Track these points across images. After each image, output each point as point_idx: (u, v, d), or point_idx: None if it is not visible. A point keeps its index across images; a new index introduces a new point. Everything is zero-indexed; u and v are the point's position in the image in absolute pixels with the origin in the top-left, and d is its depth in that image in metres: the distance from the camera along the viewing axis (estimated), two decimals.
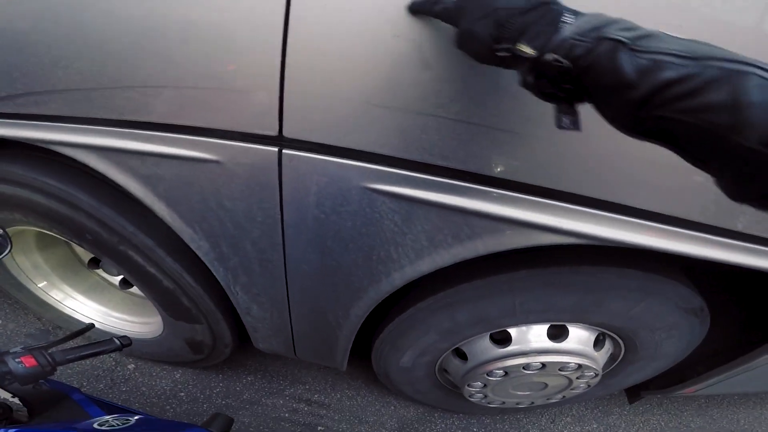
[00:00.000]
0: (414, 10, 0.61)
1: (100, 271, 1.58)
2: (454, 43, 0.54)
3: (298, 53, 0.67)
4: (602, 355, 1.28)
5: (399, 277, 0.94)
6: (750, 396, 2.00)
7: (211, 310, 1.26)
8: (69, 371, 1.64)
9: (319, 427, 1.63)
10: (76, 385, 1.59)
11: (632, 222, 0.78)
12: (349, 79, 0.68)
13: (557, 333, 1.22)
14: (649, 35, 0.40)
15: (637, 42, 0.39)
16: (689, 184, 0.69)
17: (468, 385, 1.34)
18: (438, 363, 1.35)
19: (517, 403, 1.52)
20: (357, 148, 0.74)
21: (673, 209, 0.76)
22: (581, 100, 0.47)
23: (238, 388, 1.69)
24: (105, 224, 1.05)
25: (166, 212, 0.90)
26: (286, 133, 0.74)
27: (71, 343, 0.89)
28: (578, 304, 1.06)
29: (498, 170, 0.73)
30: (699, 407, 1.94)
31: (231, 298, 1.14)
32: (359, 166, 0.76)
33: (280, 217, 0.86)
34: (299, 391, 1.71)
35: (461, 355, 1.30)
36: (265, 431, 1.59)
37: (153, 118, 0.77)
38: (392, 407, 1.73)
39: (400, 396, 1.74)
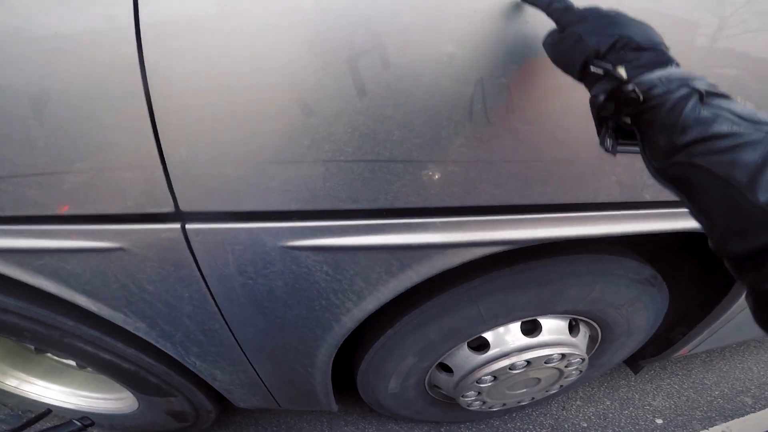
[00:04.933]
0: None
1: (50, 355, 1.49)
2: (549, 37, 0.56)
3: (168, 122, 0.62)
4: (581, 340, 1.26)
5: (349, 320, 0.91)
6: (749, 342, 1.98)
7: (182, 383, 1.20)
8: None
9: None
10: None
11: (549, 218, 0.77)
12: (231, 142, 0.64)
13: (531, 328, 1.20)
14: (722, 96, 0.43)
15: (709, 97, 0.43)
16: (591, 171, 0.70)
17: (462, 396, 1.31)
18: (426, 381, 1.32)
19: (519, 402, 1.49)
20: (261, 209, 0.70)
21: (582, 197, 0.77)
22: (628, 135, 0.51)
23: None
24: (41, 322, 0.99)
25: (89, 303, 0.85)
26: (182, 207, 0.69)
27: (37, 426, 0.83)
28: (538, 298, 1.05)
29: (411, 199, 0.71)
30: (704, 363, 1.92)
31: (191, 369, 1.09)
32: (270, 227, 0.72)
33: (207, 290, 0.82)
34: None
35: (447, 368, 1.27)
36: None
37: (38, 211, 0.71)
38: None
39: (400, 419, 1.69)
